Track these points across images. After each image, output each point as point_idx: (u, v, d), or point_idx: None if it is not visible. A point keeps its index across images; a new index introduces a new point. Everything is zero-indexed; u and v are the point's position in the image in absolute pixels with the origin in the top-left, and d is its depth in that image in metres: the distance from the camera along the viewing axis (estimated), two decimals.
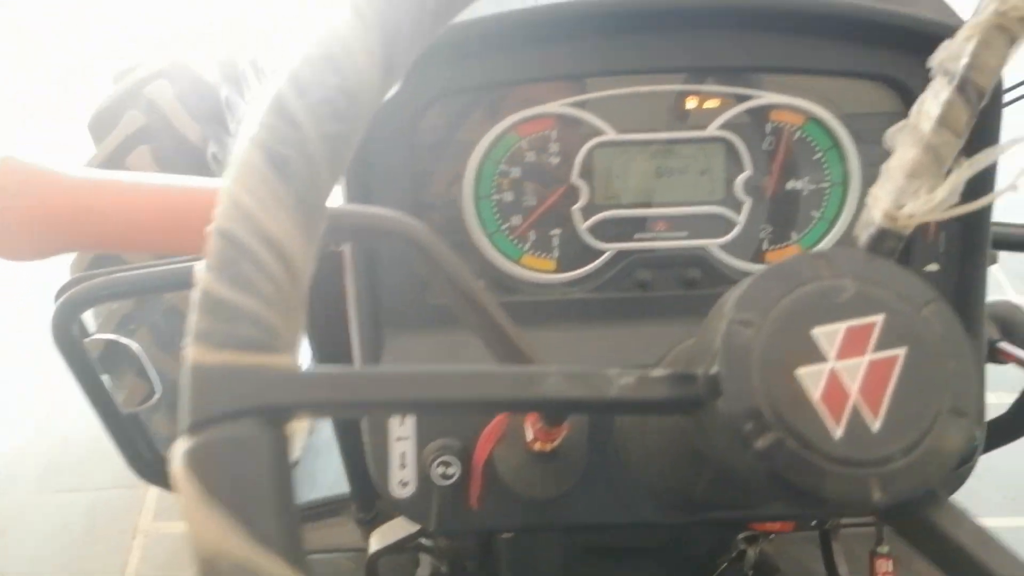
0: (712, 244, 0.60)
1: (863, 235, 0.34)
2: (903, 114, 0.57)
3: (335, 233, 0.38)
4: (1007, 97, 0.89)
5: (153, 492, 1.93)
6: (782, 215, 0.60)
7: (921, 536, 0.31)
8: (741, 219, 0.59)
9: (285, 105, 0.27)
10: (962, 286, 0.58)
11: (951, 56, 0.32)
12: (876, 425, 0.30)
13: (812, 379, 0.30)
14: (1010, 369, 0.66)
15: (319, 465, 1.97)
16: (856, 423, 0.30)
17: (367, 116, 0.28)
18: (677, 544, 0.75)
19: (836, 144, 0.58)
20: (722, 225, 0.60)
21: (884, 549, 0.75)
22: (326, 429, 1.64)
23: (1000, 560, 0.30)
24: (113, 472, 1.92)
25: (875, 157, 0.58)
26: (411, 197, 0.58)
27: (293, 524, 0.24)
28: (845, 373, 0.31)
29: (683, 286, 0.60)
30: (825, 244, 0.60)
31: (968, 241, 0.58)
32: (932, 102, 0.32)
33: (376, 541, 0.89)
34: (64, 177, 0.34)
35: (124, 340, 0.86)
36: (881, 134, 0.57)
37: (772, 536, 0.72)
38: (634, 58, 0.56)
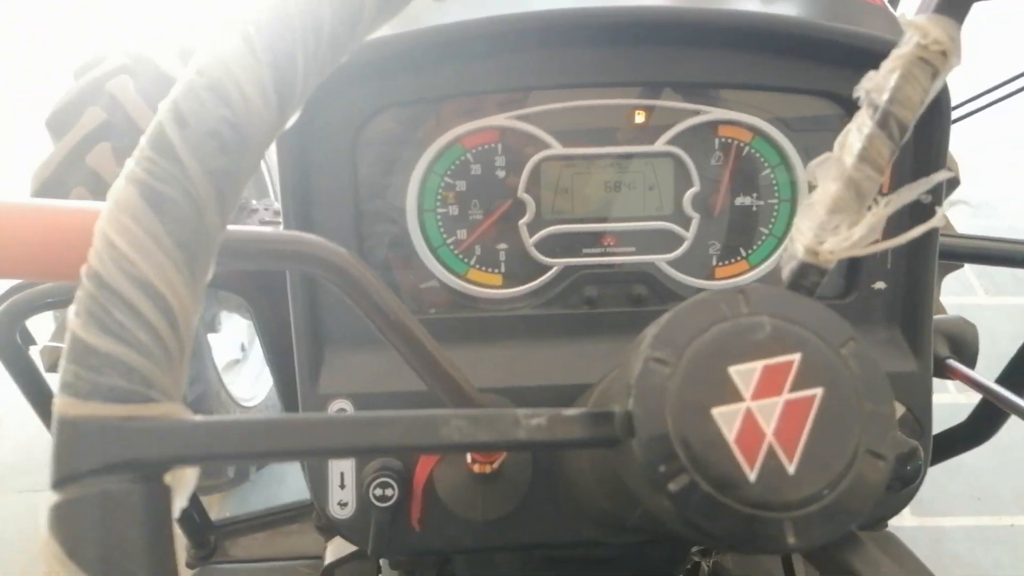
0: (660, 260, 0.59)
1: (785, 270, 0.33)
2: None
3: (246, 259, 0.37)
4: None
5: None
6: (731, 231, 0.59)
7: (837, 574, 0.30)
8: (690, 235, 0.58)
9: (165, 138, 0.25)
10: (909, 303, 0.58)
11: (875, 87, 0.32)
12: (791, 467, 0.29)
13: (727, 419, 0.30)
14: None
15: (289, 468, 1.95)
16: (771, 465, 0.29)
17: (259, 151, 0.27)
18: (633, 556, 0.74)
19: (784, 160, 0.58)
20: (671, 241, 0.59)
21: None
22: None
23: None
24: None
25: None
26: (353, 211, 0.56)
27: None
28: (761, 413, 0.30)
29: (631, 302, 0.59)
30: (774, 260, 0.59)
31: (915, 258, 0.57)
32: (855, 135, 0.32)
33: (332, 552, 0.88)
34: None
35: None
36: (828, 148, 0.57)
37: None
38: (581, 72, 0.55)
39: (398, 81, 0.54)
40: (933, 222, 0.32)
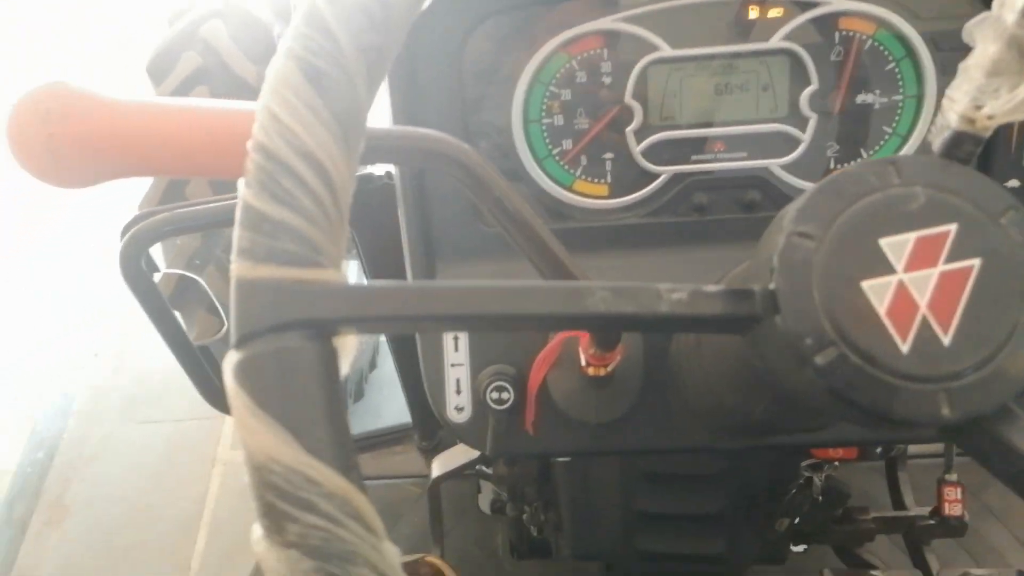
0: (774, 164, 0.57)
1: (937, 140, 0.32)
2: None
3: (381, 154, 0.38)
4: None
5: (230, 423, 2.03)
6: (851, 131, 0.57)
7: (993, 455, 0.30)
8: (806, 137, 0.56)
9: (319, 16, 0.26)
10: None
11: None
12: (947, 339, 0.28)
13: (878, 292, 0.29)
14: None
15: (383, 398, 2.03)
16: (925, 337, 0.28)
17: (403, 26, 0.27)
18: (737, 471, 0.74)
19: (910, 53, 0.54)
20: (785, 144, 0.57)
21: (952, 476, 0.73)
22: (388, 364, 1.68)
23: None
24: (191, 405, 2.03)
25: (954, 67, 0.54)
26: (460, 124, 0.57)
27: (341, 432, 0.24)
28: (914, 285, 0.29)
29: (742, 209, 0.57)
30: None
31: None
32: None
33: (438, 467, 0.92)
34: (112, 102, 0.34)
35: (192, 276, 0.88)
36: (959, 38, 0.53)
37: (836, 464, 0.71)
38: None
39: None
40: None
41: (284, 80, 0.26)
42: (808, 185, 0.57)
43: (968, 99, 0.30)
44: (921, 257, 0.29)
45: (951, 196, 0.30)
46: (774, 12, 0.54)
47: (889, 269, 0.29)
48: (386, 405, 1.99)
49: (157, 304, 0.85)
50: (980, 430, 0.29)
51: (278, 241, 0.25)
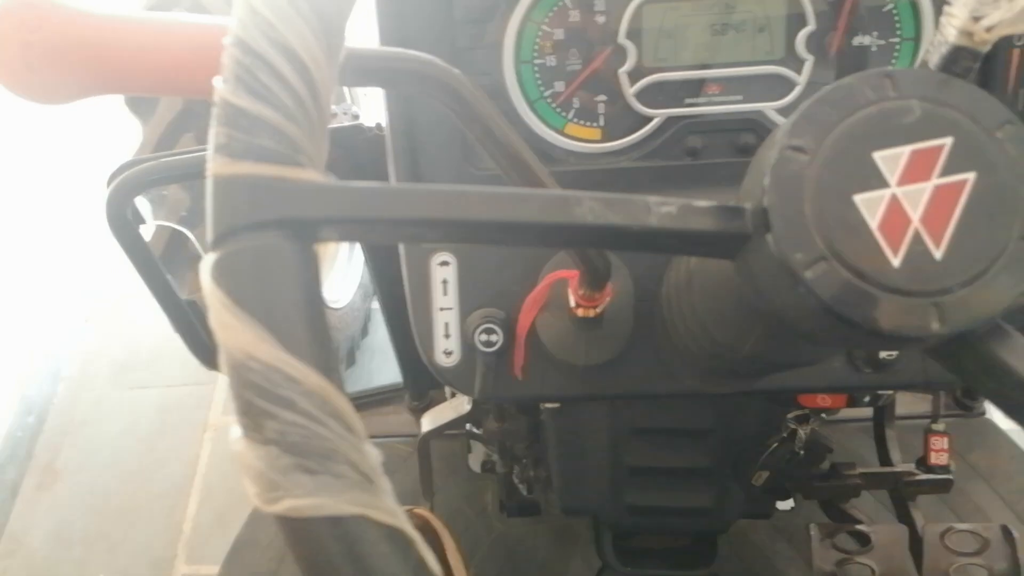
0: (769, 108, 0.56)
1: (934, 56, 0.31)
2: None
3: (365, 74, 0.37)
4: None
5: (221, 388, 2.02)
6: (848, 74, 0.56)
7: (982, 373, 0.29)
8: (802, 79, 0.55)
9: None
10: None
11: None
12: (939, 253, 0.28)
13: (870, 206, 0.28)
14: None
15: (375, 365, 2.03)
16: (917, 251, 0.28)
17: None
18: (725, 424, 0.74)
19: None
20: (781, 86, 0.56)
21: (940, 427, 0.73)
22: (380, 331, 1.67)
23: None
24: (182, 371, 2.02)
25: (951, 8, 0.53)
26: (449, 65, 0.55)
27: (321, 333, 0.24)
28: (907, 199, 0.28)
29: (737, 152, 0.57)
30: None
31: None
32: None
33: (427, 423, 0.91)
34: (88, 14, 0.33)
35: (183, 230, 0.87)
36: None
37: (823, 415, 0.71)
38: None
39: None
40: None
41: None
42: None
43: (967, 12, 0.30)
44: (915, 171, 0.29)
45: (947, 110, 0.29)
46: None
47: (883, 183, 0.28)
48: (378, 372, 1.99)
49: (144, 256, 0.84)
50: (969, 347, 0.29)
51: (256, 137, 0.24)
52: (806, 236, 0.28)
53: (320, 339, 0.24)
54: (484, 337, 0.53)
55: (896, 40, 0.55)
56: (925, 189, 0.28)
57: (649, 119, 0.57)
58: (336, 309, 1.86)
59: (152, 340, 2.10)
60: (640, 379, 0.55)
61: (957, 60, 0.30)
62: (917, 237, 0.28)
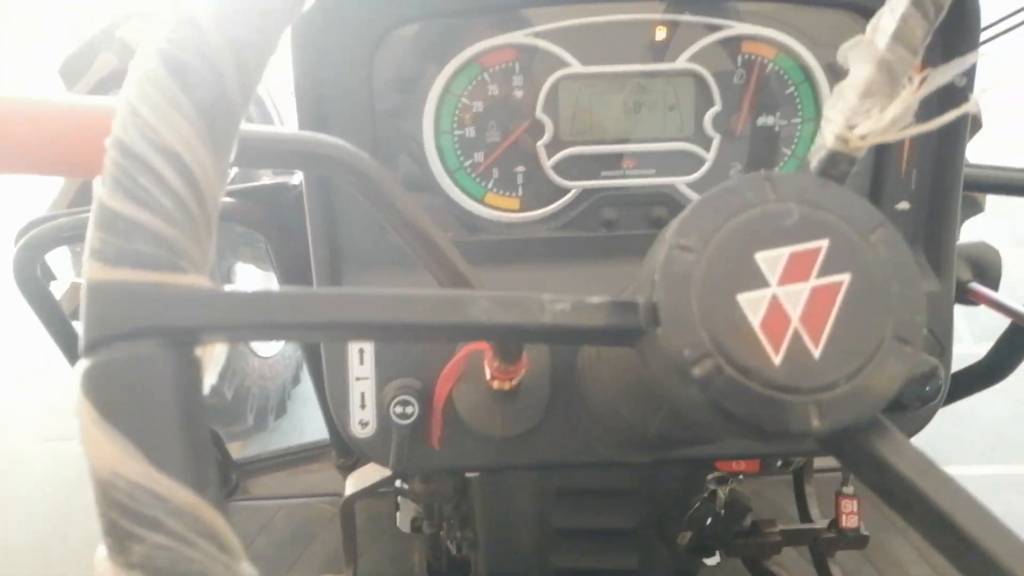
0: (680, 182, 0.58)
1: (814, 159, 0.33)
2: None
3: (267, 157, 0.37)
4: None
5: None
6: (753, 152, 0.58)
7: (863, 465, 0.30)
8: (710, 156, 0.58)
9: (185, 6, 0.25)
10: (933, 225, 0.57)
11: None
12: (817, 352, 0.29)
13: (753, 305, 0.29)
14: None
15: (307, 413, 1.98)
16: (796, 350, 0.29)
17: (280, 22, 0.26)
18: (647, 485, 0.75)
19: (808, 78, 0.56)
20: (691, 162, 0.58)
21: (849, 489, 0.75)
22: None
23: (941, 489, 0.29)
24: None
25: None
26: (369, 133, 0.56)
27: (196, 446, 0.23)
28: (787, 299, 0.30)
29: (650, 225, 0.58)
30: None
31: (940, 179, 0.56)
32: (888, 16, 0.31)
33: (351, 485, 0.89)
34: None
35: None
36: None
37: (741, 477, 0.72)
38: None
39: None
40: (968, 107, 0.31)
41: (144, 72, 0.24)
42: None
43: (843, 119, 0.31)
44: (794, 271, 0.30)
45: (824, 213, 0.30)
46: (680, 34, 0.56)
47: (764, 283, 0.30)
48: (309, 421, 1.94)
49: (54, 314, 0.81)
50: (851, 442, 0.30)
51: (132, 242, 0.23)
52: (693, 333, 0.29)
53: (194, 452, 0.23)
54: (400, 409, 0.53)
55: (798, 121, 0.58)
56: (804, 289, 0.30)
57: (566, 190, 0.58)
58: (265, 358, 1.82)
59: (72, 389, 2.00)
60: (558, 449, 0.55)
61: (835, 163, 0.32)
62: (797, 336, 0.29)
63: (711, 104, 0.57)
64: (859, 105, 0.31)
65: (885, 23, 0.31)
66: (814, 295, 0.30)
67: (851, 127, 0.31)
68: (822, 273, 0.30)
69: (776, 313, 0.29)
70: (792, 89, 0.57)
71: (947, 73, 0.30)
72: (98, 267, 0.23)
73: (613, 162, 0.58)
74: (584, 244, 0.58)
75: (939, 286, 0.56)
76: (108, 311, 0.23)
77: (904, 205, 0.57)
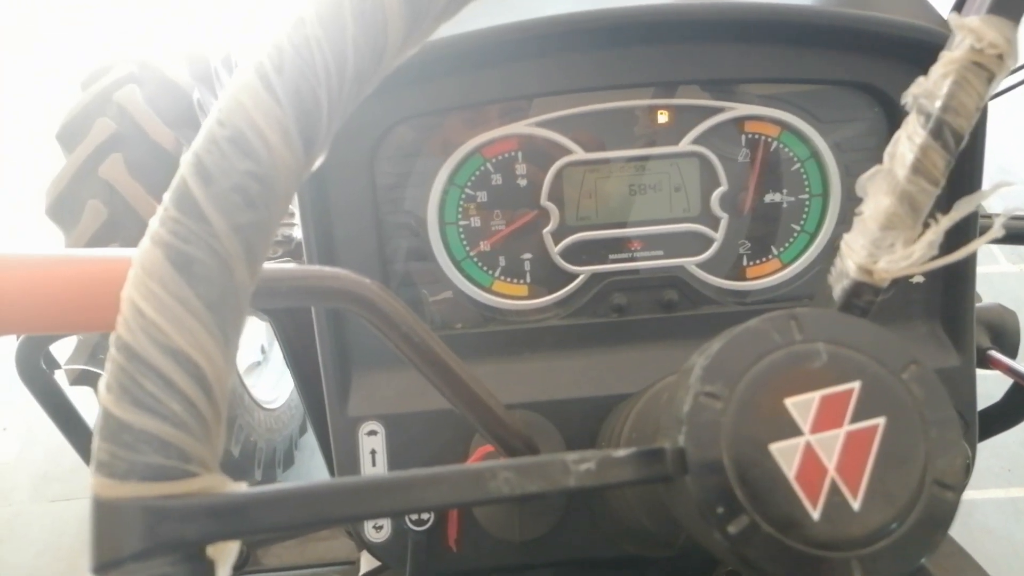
0: (690, 263, 0.57)
1: (837, 288, 0.32)
2: (880, 120, 0.55)
3: (278, 297, 0.36)
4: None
5: None
6: (761, 229, 0.58)
7: None
8: (719, 236, 0.57)
9: (189, 196, 0.24)
10: (949, 297, 0.56)
11: (926, 93, 0.30)
12: (856, 504, 0.28)
13: (786, 455, 0.28)
14: None
15: (315, 463, 1.96)
16: (835, 502, 0.28)
17: (286, 200, 0.26)
18: (669, 562, 0.73)
19: (814, 154, 0.56)
20: (699, 242, 0.57)
21: None
22: None
23: None
24: None
25: (856, 166, 0.56)
26: (374, 227, 0.55)
27: None
28: (821, 447, 0.28)
29: (661, 308, 0.57)
30: (807, 257, 0.57)
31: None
32: (906, 145, 0.30)
33: (368, 561, 0.88)
34: None
35: (95, 370, 0.83)
36: (860, 141, 0.55)
37: None
38: (599, 74, 0.53)
39: (412, 93, 0.53)
40: (992, 233, 0.30)
41: (149, 269, 0.24)
42: (723, 283, 0.58)
43: (865, 251, 0.30)
44: (827, 417, 0.29)
45: (853, 352, 0.29)
46: (682, 117, 0.55)
47: (796, 431, 0.29)
48: (318, 472, 1.92)
49: (60, 405, 0.80)
50: None
51: (140, 454, 0.22)
52: (726, 489, 0.28)
53: None
54: (415, 516, 0.51)
55: (805, 197, 0.57)
56: (838, 436, 0.29)
57: (575, 276, 0.58)
58: (271, 410, 1.80)
59: (72, 450, 1.99)
60: (576, 547, 0.54)
61: (859, 294, 0.31)
62: (834, 487, 0.28)
63: (717, 184, 0.56)
64: (881, 237, 0.30)
65: (903, 152, 0.30)
66: (849, 441, 0.29)
67: (874, 259, 0.30)
68: (856, 418, 0.29)
69: (811, 463, 0.28)
70: (798, 166, 0.56)
71: (972, 203, 0.30)
72: (106, 483, 0.22)
73: (621, 245, 0.57)
74: (595, 330, 0.57)
75: (959, 360, 0.55)
76: (118, 531, 0.22)
77: (919, 278, 0.56)
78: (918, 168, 0.30)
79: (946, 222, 0.29)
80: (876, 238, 0.30)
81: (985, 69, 0.29)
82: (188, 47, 1.54)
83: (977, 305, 0.61)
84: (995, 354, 0.59)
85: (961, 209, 0.29)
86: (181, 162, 0.25)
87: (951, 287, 0.56)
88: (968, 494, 1.89)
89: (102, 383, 0.24)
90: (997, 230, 0.30)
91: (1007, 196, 2.57)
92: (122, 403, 0.23)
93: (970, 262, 0.55)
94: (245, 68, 0.25)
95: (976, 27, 0.29)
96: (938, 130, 0.29)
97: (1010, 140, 2.70)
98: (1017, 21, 0.29)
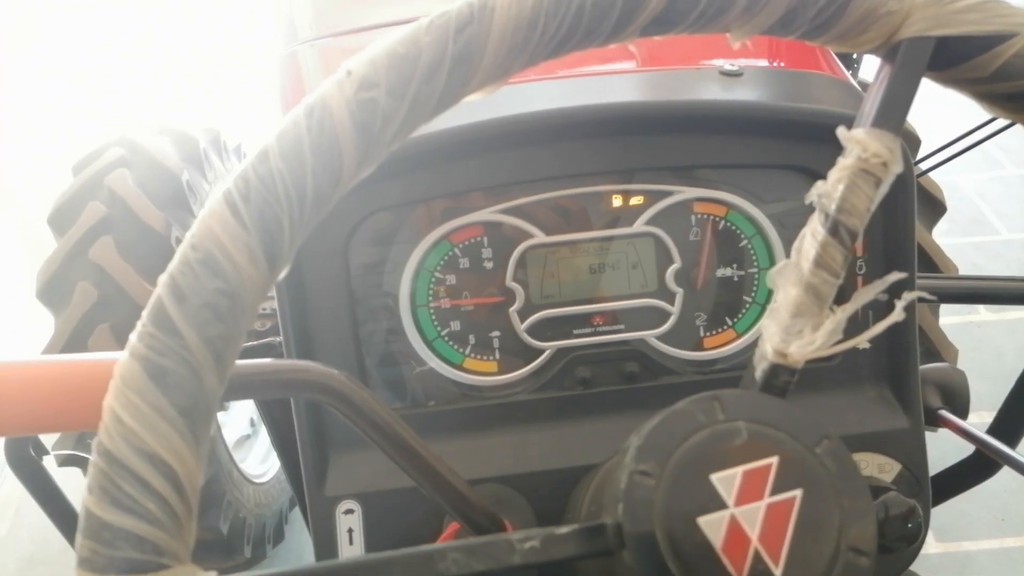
0: (650, 335, 0.61)
1: (757, 369, 0.35)
2: None
3: (251, 390, 0.39)
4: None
5: None
6: (715, 302, 0.61)
7: None
8: (675, 309, 0.60)
9: (164, 313, 0.27)
10: (895, 360, 0.59)
11: (825, 195, 0.34)
12: (778, 571, 0.31)
13: (713, 527, 0.31)
14: None
15: (305, 537, 1.94)
16: (759, 570, 0.31)
17: (252, 310, 0.29)
18: None
19: (759, 231, 0.60)
20: (658, 316, 0.61)
21: None
22: None
23: None
24: None
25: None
26: (349, 310, 0.58)
27: None
28: (744, 519, 0.31)
29: (624, 380, 0.60)
30: (760, 326, 0.61)
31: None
32: (810, 242, 0.34)
33: None
34: None
35: (83, 455, 0.85)
36: (800, 217, 0.59)
37: None
38: (558, 165, 0.58)
39: (384, 187, 0.57)
40: (893, 317, 0.33)
41: (128, 381, 0.27)
42: (682, 353, 0.61)
43: (778, 338, 0.34)
44: (749, 490, 0.31)
45: (770, 430, 0.32)
46: (635, 200, 0.59)
47: (721, 504, 0.31)
48: (308, 547, 1.90)
49: (48, 491, 0.81)
50: None
51: (118, 550, 0.25)
52: (660, 561, 0.31)
53: None
54: None
55: (754, 270, 0.61)
56: (759, 508, 0.31)
57: (541, 351, 0.61)
58: (260, 484, 1.80)
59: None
60: None
61: (777, 375, 0.34)
62: (757, 556, 0.31)
63: (671, 261, 0.60)
64: (791, 324, 0.33)
65: (807, 247, 0.34)
66: (770, 513, 0.31)
67: (786, 343, 0.34)
68: (775, 491, 0.32)
69: (736, 534, 0.31)
70: (745, 242, 0.60)
71: (869, 293, 0.33)
72: None
73: (584, 321, 0.61)
74: (562, 404, 0.60)
75: (908, 421, 0.58)
76: None
77: (865, 345, 0.59)
78: (819, 262, 0.33)
79: (845, 312, 0.33)
80: (787, 325, 0.34)
81: (872, 175, 0.33)
82: (177, 129, 1.60)
83: (926, 366, 0.64)
84: (945, 414, 0.62)
85: (859, 300, 0.33)
86: (158, 282, 0.28)
87: (895, 351, 0.59)
88: (962, 545, 1.89)
89: (84, 485, 0.26)
90: (898, 314, 0.34)
91: (982, 247, 2.64)
92: (102, 504, 0.25)
93: (909, 328, 0.58)
94: (215, 197, 0.29)
95: (862, 139, 0.33)
96: (835, 228, 0.33)
97: (982, 194, 2.79)
98: (898, 132, 0.33)
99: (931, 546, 1.82)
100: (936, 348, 1.25)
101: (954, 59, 0.33)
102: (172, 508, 0.26)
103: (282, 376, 0.39)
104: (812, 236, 0.34)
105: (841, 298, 0.34)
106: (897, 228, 0.56)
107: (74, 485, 0.84)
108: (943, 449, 0.73)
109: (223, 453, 1.60)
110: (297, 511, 1.97)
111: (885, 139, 0.33)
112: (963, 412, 0.63)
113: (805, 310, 0.33)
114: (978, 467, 0.64)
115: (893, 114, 0.33)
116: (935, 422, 0.62)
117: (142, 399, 0.26)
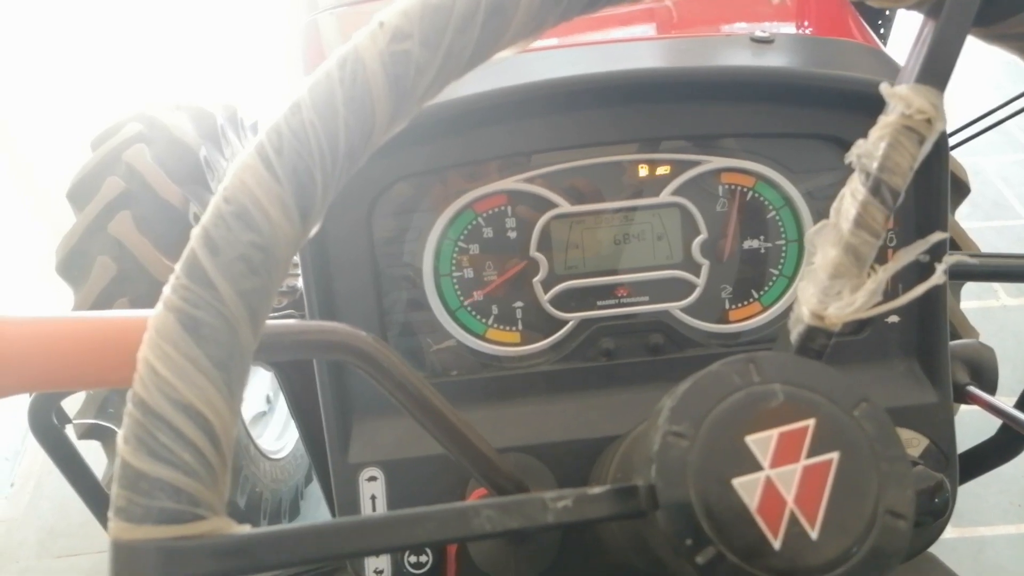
0: (674, 307, 0.60)
1: (793, 332, 0.34)
2: (847, 169, 0.58)
3: (279, 351, 0.39)
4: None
5: None
6: (741, 274, 0.60)
7: None
8: (701, 281, 0.60)
9: (198, 265, 0.27)
10: (924, 335, 0.59)
11: (866, 154, 0.33)
12: (814, 533, 0.30)
13: (748, 489, 0.31)
14: None
15: (321, 512, 1.96)
16: (794, 532, 0.30)
17: (285, 265, 0.29)
18: None
19: (788, 202, 0.59)
20: (683, 288, 0.60)
21: None
22: None
23: None
24: None
25: (827, 212, 0.59)
26: (373, 280, 0.58)
27: None
28: (780, 481, 0.31)
29: (648, 352, 0.60)
30: (786, 300, 0.60)
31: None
32: (850, 201, 0.33)
33: None
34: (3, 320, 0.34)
35: (106, 424, 0.85)
36: (830, 188, 0.58)
37: None
38: (583, 133, 0.57)
39: (409, 154, 0.56)
40: (933, 280, 0.33)
41: (163, 332, 0.26)
42: (707, 326, 0.60)
43: (815, 300, 0.33)
44: (784, 453, 0.31)
45: (807, 392, 0.32)
46: (662, 170, 0.59)
47: (756, 466, 0.31)
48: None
49: (70, 459, 0.82)
50: None
51: (155, 500, 0.25)
52: (694, 521, 0.30)
53: None
54: (414, 559, 0.53)
55: (782, 243, 0.60)
56: (796, 470, 0.31)
57: (564, 322, 0.60)
58: (277, 460, 1.81)
59: (81, 503, 1.99)
60: None
61: (813, 338, 0.34)
62: (793, 518, 0.30)
63: (697, 232, 0.59)
64: (830, 285, 0.33)
65: (847, 207, 0.33)
66: (806, 475, 0.31)
67: (824, 306, 0.33)
68: (812, 453, 0.31)
69: (771, 496, 0.30)
70: (773, 213, 0.59)
71: (912, 253, 0.32)
72: (123, 527, 0.25)
73: (608, 292, 0.60)
74: (585, 375, 0.60)
75: (937, 396, 0.57)
76: (135, 570, 0.25)
77: (894, 318, 0.59)
78: (860, 222, 0.32)
79: (886, 272, 0.32)
80: (825, 286, 0.33)
81: (916, 132, 0.32)
82: (194, 105, 1.60)
83: (955, 342, 0.63)
84: (973, 390, 0.61)
85: (900, 260, 0.32)
86: (192, 235, 0.28)
87: (925, 326, 0.58)
88: (978, 531, 1.88)
89: (120, 435, 0.26)
90: (939, 276, 0.33)
91: (1004, 231, 2.60)
92: (139, 454, 0.25)
93: (940, 301, 0.57)
94: (248, 150, 0.29)
95: (905, 95, 0.32)
96: (876, 188, 0.32)
97: (1006, 178, 2.74)
98: (942, 89, 0.32)
99: (947, 531, 1.82)
100: (957, 331, 1.24)
101: (1003, 12, 0.32)
102: (208, 460, 0.26)
103: (311, 337, 0.39)
104: (852, 196, 0.33)
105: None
106: (930, 196, 0.55)
107: (93, 460, 0.85)
108: (964, 432, 0.73)
109: (241, 430, 1.61)
110: (312, 487, 1.98)
111: (930, 95, 0.32)
112: (991, 388, 0.62)
113: (844, 271, 0.33)
114: (1004, 445, 0.63)
115: (938, 69, 0.32)
116: (963, 398, 0.61)
117: (177, 350, 0.26)
